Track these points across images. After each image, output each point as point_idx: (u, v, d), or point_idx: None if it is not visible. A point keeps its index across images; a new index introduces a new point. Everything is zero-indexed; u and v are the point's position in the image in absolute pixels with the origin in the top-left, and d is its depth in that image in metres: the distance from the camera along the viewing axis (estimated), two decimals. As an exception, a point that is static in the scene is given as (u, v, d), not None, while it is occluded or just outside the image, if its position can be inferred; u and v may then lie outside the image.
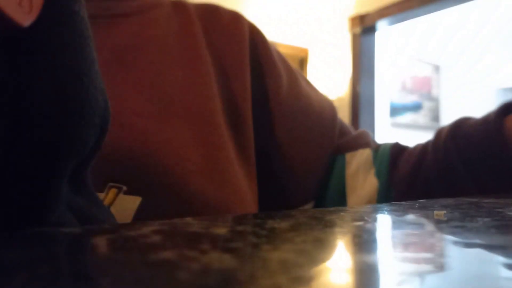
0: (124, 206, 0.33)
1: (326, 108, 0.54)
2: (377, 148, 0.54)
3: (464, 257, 0.15)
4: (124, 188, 0.34)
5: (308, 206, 0.53)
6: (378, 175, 0.51)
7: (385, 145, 0.54)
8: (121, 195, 0.34)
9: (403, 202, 0.30)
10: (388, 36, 4.04)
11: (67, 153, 0.18)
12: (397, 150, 0.53)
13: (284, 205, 0.50)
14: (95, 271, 0.12)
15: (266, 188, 0.46)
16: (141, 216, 0.34)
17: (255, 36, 0.49)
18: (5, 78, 0.16)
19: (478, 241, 0.17)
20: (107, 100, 0.21)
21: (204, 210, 0.36)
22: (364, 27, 3.25)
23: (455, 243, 0.17)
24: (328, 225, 0.20)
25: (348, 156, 0.53)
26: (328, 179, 0.53)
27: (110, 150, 0.33)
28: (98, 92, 0.19)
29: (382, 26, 3.24)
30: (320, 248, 0.16)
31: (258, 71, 0.47)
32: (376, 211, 0.26)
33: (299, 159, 0.50)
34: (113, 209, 0.33)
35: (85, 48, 0.19)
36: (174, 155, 0.37)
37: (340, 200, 0.52)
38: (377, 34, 3.35)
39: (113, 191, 0.34)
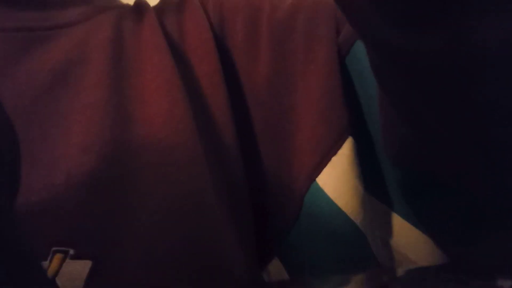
0: (72, 274, 0.27)
1: None
2: None
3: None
4: (71, 251, 0.27)
5: None
6: None
7: None
8: (68, 261, 0.27)
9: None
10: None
11: None
12: None
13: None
14: None
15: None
16: (93, 284, 0.27)
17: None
18: None
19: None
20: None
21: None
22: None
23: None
24: None
25: None
26: None
27: (55, 204, 0.27)
28: None
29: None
30: None
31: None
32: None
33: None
34: (59, 280, 0.27)
35: None
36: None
37: None
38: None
39: (57, 257, 0.27)
